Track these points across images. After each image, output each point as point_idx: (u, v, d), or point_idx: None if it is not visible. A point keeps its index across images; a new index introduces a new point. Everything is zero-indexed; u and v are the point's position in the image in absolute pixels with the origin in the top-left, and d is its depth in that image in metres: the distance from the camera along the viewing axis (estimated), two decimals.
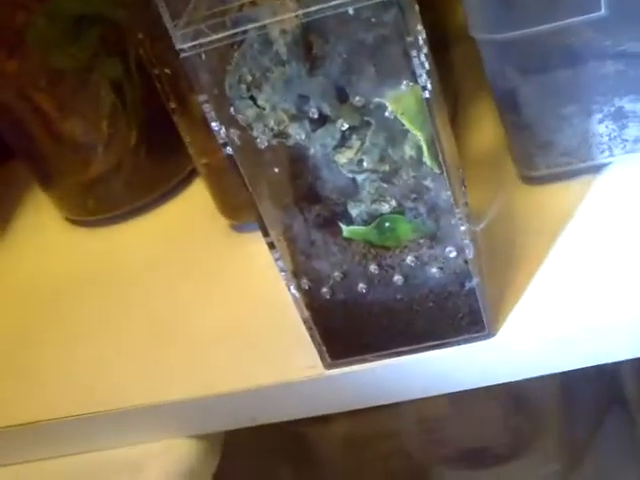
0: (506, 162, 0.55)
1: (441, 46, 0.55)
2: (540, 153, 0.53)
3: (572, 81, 0.50)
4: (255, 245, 0.46)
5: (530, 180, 0.55)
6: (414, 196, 0.39)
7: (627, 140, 0.52)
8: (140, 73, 0.60)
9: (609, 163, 0.53)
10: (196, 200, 0.63)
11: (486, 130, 0.59)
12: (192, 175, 0.65)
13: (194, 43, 0.36)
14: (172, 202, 0.66)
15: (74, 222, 0.68)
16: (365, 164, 0.39)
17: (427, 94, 0.37)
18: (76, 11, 0.61)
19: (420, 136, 0.38)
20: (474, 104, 0.61)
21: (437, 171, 0.39)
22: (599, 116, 0.51)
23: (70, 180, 0.67)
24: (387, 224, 0.40)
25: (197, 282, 0.56)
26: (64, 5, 0.61)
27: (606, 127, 0.51)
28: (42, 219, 0.70)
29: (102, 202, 0.67)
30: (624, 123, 0.51)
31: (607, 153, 0.52)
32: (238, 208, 0.57)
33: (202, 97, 0.37)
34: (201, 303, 0.55)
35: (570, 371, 0.46)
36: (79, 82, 0.63)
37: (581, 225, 0.50)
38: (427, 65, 0.38)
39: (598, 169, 0.53)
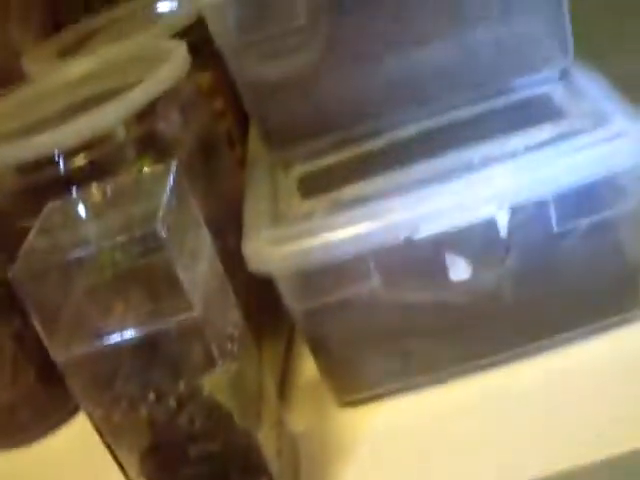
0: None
1: None
2: (346, 380, 0.67)
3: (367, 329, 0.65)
4: None
5: (345, 404, 0.68)
6: (233, 451, 0.55)
7: (416, 367, 0.67)
8: None
9: (408, 385, 0.67)
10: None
11: None
12: None
13: (68, 354, 0.52)
14: (72, 422, 0.81)
15: None
16: (196, 424, 0.55)
17: (229, 375, 0.53)
18: None
19: (232, 404, 0.54)
20: None
21: (246, 431, 0.55)
22: (391, 349, 0.66)
23: None
24: None
25: None
26: None
27: (397, 358, 0.66)
28: None
29: (8, 431, 0.81)
30: (414, 355, 0.66)
31: (406, 378, 0.67)
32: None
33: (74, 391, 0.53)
34: None
35: None
36: None
37: (391, 443, 0.63)
38: (234, 349, 0.54)
39: (404, 391, 0.67)
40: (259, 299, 0.68)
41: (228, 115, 0.81)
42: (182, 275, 0.48)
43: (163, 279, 0.49)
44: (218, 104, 0.80)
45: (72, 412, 0.81)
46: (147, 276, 0.50)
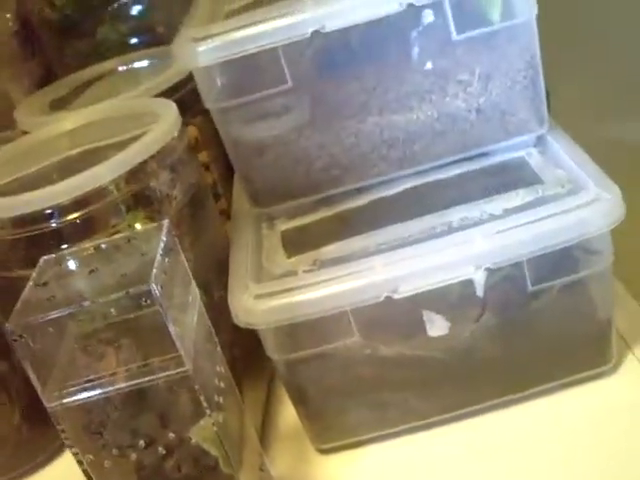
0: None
1: None
2: (324, 428, 0.70)
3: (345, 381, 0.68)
4: None
5: (323, 451, 0.70)
6: None
7: (393, 417, 0.69)
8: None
9: (384, 435, 0.70)
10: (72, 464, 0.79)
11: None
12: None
13: (60, 402, 0.54)
14: (52, 465, 0.82)
15: None
16: (183, 470, 0.57)
17: (217, 426, 0.55)
18: None
19: (217, 452, 0.57)
20: None
21: (231, 478, 0.57)
22: (368, 399, 0.69)
23: None
24: None
25: None
26: None
27: (375, 408, 0.69)
28: None
29: None
30: (391, 405, 0.69)
31: (383, 428, 0.70)
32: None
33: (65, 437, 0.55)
34: None
35: None
36: None
37: None
38: (221, 401, 0.56)
39: (381, 440, 0.70)
40: (241, 348, 0.70)
41: (213, 168, 0.84)
42: (173, 331, 0.50)
43: (154, 334, 0.51)
44: (203, 157, 0.83)
45: (56, 452, 0.83)
46: (139, 330, 0.52)
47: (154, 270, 0.50)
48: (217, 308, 0.64)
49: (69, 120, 0.75)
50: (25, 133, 0.79)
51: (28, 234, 0.63)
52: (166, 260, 0.52)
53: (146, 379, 0.52)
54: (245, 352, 0.69)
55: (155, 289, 0.49)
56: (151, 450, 0.55)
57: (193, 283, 0.56)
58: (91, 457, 0.55)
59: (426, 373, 0.67)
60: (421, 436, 0.69)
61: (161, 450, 0.55)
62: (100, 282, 0.53)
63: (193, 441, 0.55)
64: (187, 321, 0.54)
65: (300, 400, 0.68)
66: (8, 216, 0.63)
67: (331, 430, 0.69)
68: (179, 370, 0.51)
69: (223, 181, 0.83)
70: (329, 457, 0.70)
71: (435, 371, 0.67)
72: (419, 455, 0.67)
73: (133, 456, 0.55)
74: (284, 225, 0.71)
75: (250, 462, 0.60)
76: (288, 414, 0.74)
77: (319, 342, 0.64)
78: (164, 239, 0.53)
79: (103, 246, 0.56)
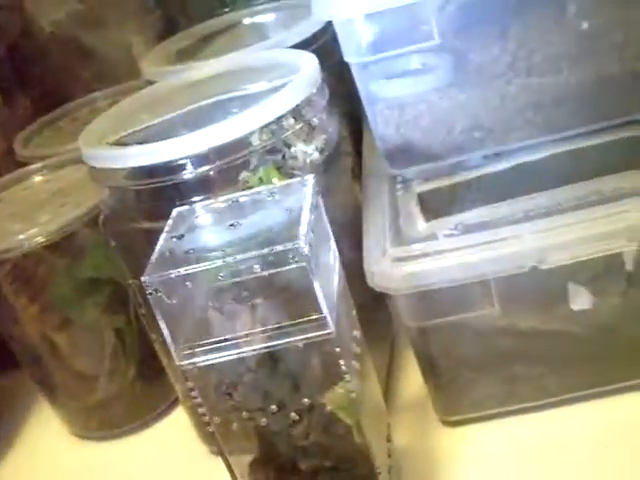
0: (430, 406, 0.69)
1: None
2: (453, 400, 0.68)
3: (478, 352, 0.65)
4: None
5: (448, 423, 0.68)
6: (346, 468, 0.55)
7: (522, 393, 0.67)
8: (138, 322, 0.76)
9: (512, 410, 0.67)
10: (182, 422, 0.78)
11: (418, 375, 0.71)
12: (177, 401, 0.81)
13: (192, 360, 0.52)
14: (162, 422, 0.82)
15: (76, 435, 0.84)
16: (311, 437, 0.55)
17: (355, 392, 0.53)
18: (90, 274, 0.76)
19: (351, 420, 0.54)
20: (409, 350, 0.73)
21: (364, 447, 0.55)
22: (500, 373, 0.66)
23: (75, 403, 0.83)
24: None
25: None
26: (80, 268, 0.76)
27: (505, 382, 0.66)
28: (47, 428, 0.87)
29: (103, 423, 0.82)
30: (522, 381, 0.67)
31: (511, 403, 0.67)
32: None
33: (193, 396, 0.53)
34: None
35: None
36: (88, 327, 0.78)
37: (493, 465, 0.64)
38: (357, 366, 0.54)
39: (507, 416, 0.68)
40: (367, 312, 0.68)
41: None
42: (320, 292, 0.48)
43: (298, 294, 0.49)
44: None
45: (167, 410, 0.84)
46: (275, 289, 0.50)
47: (303, 227, 0.48)
48: (347, 270, 0.61)
49: (199, 70, 0.73)
50: (151, 83, 0.77)
51: (156, 185, 0.60)
52: (313, 217, 0.49)
53: (285, 341, 0.50)
54: (370, 317, 0.66)
55: (304, 247, 0.46)
56: (281, 415, 0.52)
57: (334, 243, 0.54)
58: (220, 419, 0.52)
59: (563, 348, 0.64)
60: (551, 413, 0.66)
61: (294, 416, 0.52)
62: (241, 237, 0.51)
63: (328, 408, 0.52)
64: (330, 282, 0.51)
65: (430, 369, 0.66)
66: (136, 165, 0.61)
67: (459, 402, 0.67)
68: (322, 332, 0.49)
69: (351, 138, 0.80)
70: (453, 430, 0.68)
71: (572, 347, 0.64)
72: (548, 433, 0.65)
73: (263, 420, 0.52)
74: (420, 187, 0.69)
75: (379, 432, 0.57)
76: (409, 383, 0.73)
77: (456, 310, 0.62)
78: (311, 195, 0.51)
79: (241, 199, 0.54)
